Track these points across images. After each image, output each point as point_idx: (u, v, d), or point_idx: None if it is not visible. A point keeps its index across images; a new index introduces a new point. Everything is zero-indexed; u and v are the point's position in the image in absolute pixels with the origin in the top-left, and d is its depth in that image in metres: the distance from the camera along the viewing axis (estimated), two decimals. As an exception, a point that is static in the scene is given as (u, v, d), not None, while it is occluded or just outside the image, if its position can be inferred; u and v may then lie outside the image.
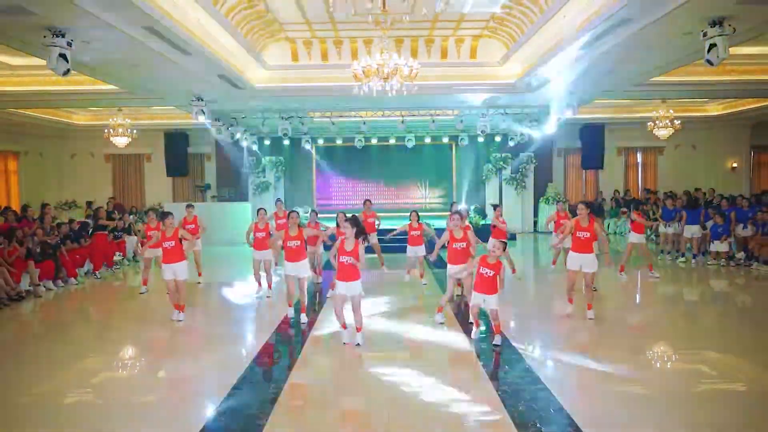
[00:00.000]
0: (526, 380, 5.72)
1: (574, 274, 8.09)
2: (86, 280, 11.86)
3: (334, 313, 7.08)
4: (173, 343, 7.57)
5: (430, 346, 7.05)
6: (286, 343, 7.33)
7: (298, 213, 8.33)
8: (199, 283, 11.18)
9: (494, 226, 10.66)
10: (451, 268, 7.88)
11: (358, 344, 6.88)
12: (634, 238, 11.26)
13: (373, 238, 12.01)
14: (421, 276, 10.86)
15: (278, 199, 12.64)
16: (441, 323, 7.84)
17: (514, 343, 6.92)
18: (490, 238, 10.93)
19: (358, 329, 6.97)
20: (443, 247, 8.04)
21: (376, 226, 12.20)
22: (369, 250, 12.10)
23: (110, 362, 6.61)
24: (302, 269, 8.11)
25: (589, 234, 7.88)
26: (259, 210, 10.26)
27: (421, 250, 10.70)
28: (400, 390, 5.56)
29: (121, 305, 10.07)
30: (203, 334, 7.91)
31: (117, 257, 13.48)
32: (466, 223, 8.64)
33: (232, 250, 16.17)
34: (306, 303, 8.41)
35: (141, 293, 10.31)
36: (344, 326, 7.03)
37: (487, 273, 6.75)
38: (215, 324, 8.31)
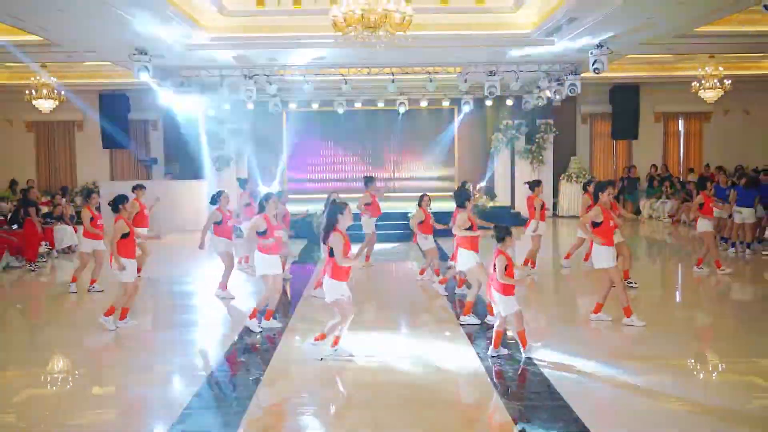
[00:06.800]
0: (543, 395, 5.76)
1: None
2: (5, 276, 11.79)
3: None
4: (111, 353, 7.55)
5: (429, 356, 7.10)
6: (249, 353, 7.34)
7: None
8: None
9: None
10: (475, 257, 8.08)
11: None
12: (705, 225, 11.00)
13: (370, 226, 12.00)
14: (422, 273, 10.97)
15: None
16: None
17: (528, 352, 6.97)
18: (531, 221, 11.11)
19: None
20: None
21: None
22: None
23: (36, 376, 6.57)
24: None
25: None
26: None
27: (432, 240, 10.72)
28: (392, 407, 5.60)
29: (49, 306, 10.07)
30: (149, 342, 7.89)
31: (43, 248, 13.41)
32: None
33: (185, 239, 16.13)
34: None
35: (72, 293, 10.29)
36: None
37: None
38: (164, 330, 8.29)
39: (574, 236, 12.70)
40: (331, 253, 6.64)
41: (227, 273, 9.91)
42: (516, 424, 5.13)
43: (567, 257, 11.84)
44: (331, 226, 6.65)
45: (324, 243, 6.83)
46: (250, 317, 8.00)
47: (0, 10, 9.80)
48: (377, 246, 12.94)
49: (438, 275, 10.52)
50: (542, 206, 10.99)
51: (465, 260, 8.17)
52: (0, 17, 10.23)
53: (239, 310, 9.17)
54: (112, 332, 7.97)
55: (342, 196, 10.24)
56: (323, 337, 6.99)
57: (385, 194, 12.37)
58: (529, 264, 11.17)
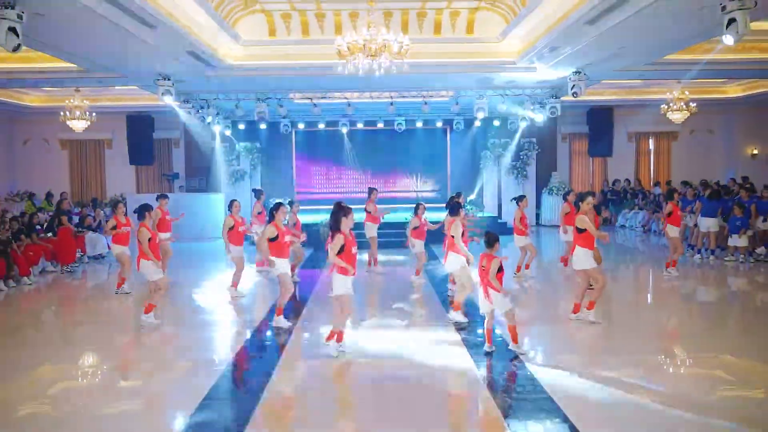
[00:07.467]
0: (528, 389, 5.78)
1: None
2: (40, 280, 11.80)
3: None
4: (138, 349, 7.57)
5: (426, 353, 7.11)
6: (261, 350, 7.36)
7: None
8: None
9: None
10: (463, 260, 8.09)
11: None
12: (674, 231, 11.22)
13: (373, 231, 11.96)
14: (417, 273, 10.99)
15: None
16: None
17: (515, 350, 6.98)
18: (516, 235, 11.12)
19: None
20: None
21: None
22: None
23: (69, 370, 6.59)
24: None
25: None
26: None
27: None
28: (392, 400, 5.61)
29: (81, 307, 10.07)
30: (171, 340, 7.89)
31: (77, 254, 13.43)
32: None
33: (202, 246, 16.16)
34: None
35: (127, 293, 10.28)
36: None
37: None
38: (185, 329, 8.30)
39: (556, 242, 12.77)
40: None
41: (238, 273, 9.98)
42: (504, 416, 5.15)
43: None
44: (335, 226, 6.61)
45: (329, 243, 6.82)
46: (276, 315, 8.08)
47: (48, 43, 9.96)
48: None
49: (418, 275, 10.91)
50: (521, 219, 11.03)
51: (453, 263, 8.19)
52: (41, 48, 10.34)
53: (252, 309, 9.21)
54: (140, 330, 8.01)
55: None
56: (332, 335, 6.87)
57: (387, 212, 12.37)
58: (522, 269, 11.25)
